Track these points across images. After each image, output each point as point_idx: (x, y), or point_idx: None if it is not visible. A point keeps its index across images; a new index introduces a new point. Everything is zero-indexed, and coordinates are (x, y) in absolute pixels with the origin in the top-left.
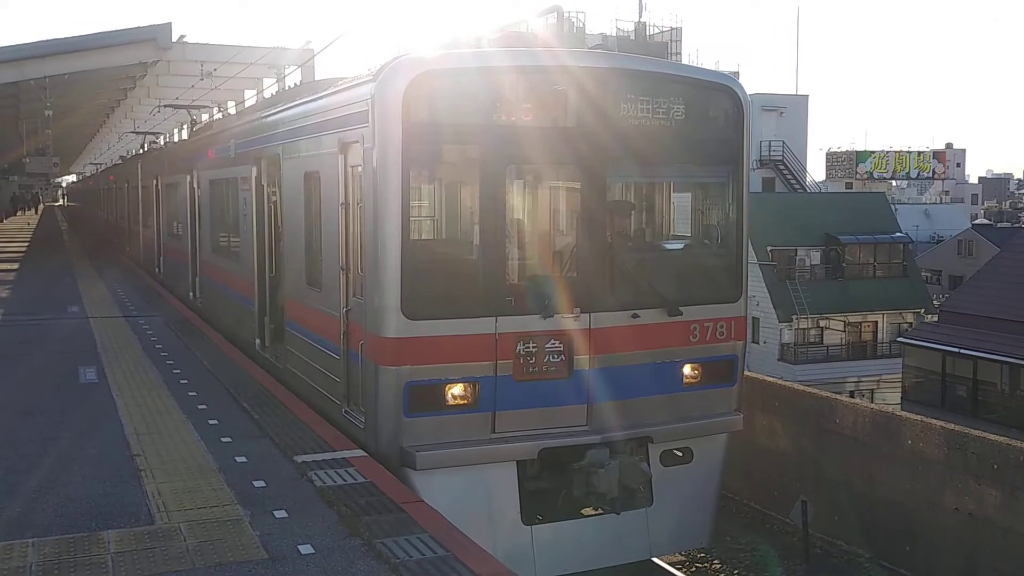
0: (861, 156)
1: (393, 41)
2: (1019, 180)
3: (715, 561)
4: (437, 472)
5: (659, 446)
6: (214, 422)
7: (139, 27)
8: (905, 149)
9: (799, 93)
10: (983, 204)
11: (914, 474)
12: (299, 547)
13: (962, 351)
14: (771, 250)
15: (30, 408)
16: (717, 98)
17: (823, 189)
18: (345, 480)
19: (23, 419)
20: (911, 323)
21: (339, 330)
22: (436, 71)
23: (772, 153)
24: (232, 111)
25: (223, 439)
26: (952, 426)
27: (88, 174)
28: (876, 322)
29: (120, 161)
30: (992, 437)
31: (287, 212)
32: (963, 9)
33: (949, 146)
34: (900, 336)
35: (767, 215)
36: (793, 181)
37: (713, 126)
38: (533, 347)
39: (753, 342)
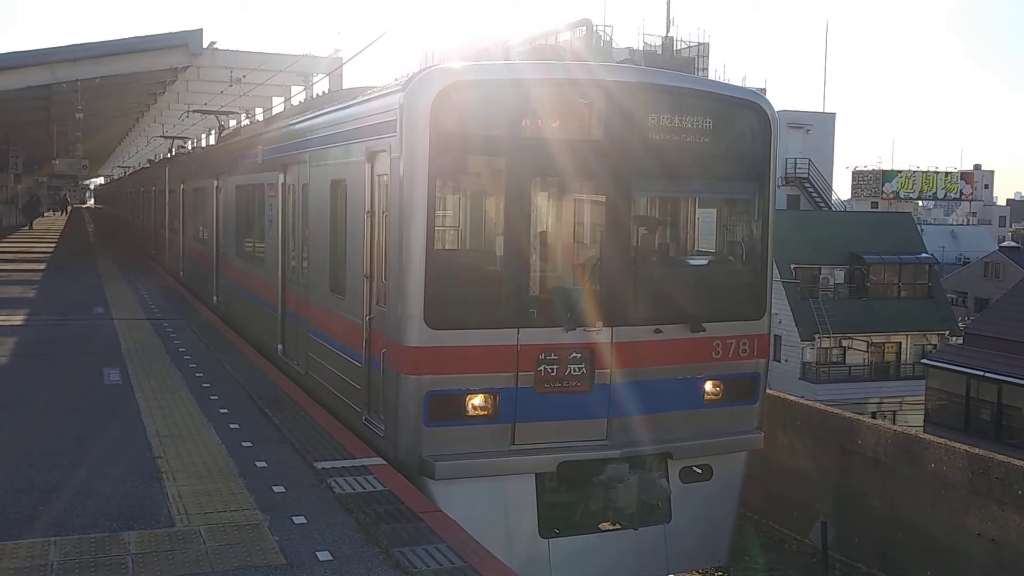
0: (887, 175)
1: (423, 50)
2: None
3: None
4: (456, 482)
5: (679, 462)
6: (235, 426)
7: (170, 33)
8: (932, 169)
9: (826, 111)
10: (1011, 226)
11: (936, 497)
12: (317, 554)
13: (987, 374)
14: (795, 268)
15: (54, 408)
16: (744, 114)
17: (848, 208)
18: (364, 488)
19: (46, 419)
20: (935, 345)
21: (362, 337)
22: (464, 82)
23: (798, 170)
24: (260, 118)
25: (244, 443)
26: (976, 450)
27: (116, 177)
28: (900, 343)
29: (148, 165)
30: (1016, 462)
31: (312, 219)
32: (992, 30)
33: (977, 167)
34: (924, 358)
35: (792, 232)
36: (818, 199)
37: (740, 142)
38: (554, 359)
39: (774, 360)
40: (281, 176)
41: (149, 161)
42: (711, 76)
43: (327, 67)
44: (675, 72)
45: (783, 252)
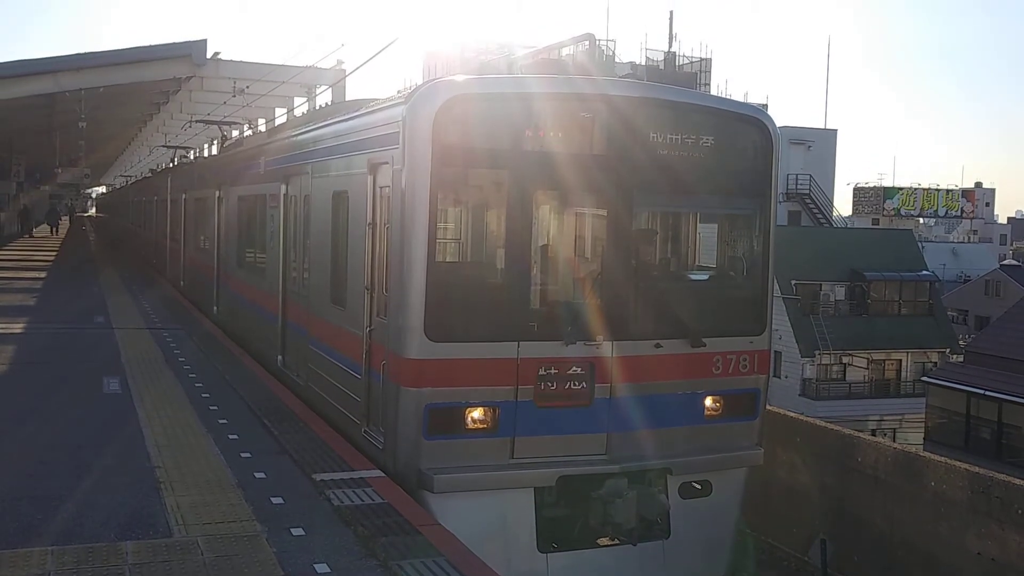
0: (889, 192)
1: (425, 62)
2: None
3: None
4: (454, 495)
5: (678, 478)
6: (234, 437)
7: (175, 43)
8: (933, 186)
9: (827, 127)
10: (1012, 245)
11: (936, 516)
12: (315, 566)
13: (987, 392)
14: (796, 284)
15: (53, 416)
16: (746, 130)
17: (849, 224)
18: (363, 500)
19: (45, 427)
20: (936, 362)
21: (361, 349)
22: (468, 95)
23: (799, 187)
24: (262, 128)
25: (243, 454)
26: (976, 469)
27: (118, 186)
28: (900, 360)
29: (150, 174)
30: (1017, 481)
31: (314, 230)
32: (995, 44)
33: (978, 185)
34: (924, 375)
35: (792, 249)
36: (819, 215)
37: (742, 158)
38: (554, 373)
39: (774, 376)
40: (283, 187)
41: (151, 171)
42: (713, 91)
43: (331, 79)
44: (678, 87)
45: (784, 268)
